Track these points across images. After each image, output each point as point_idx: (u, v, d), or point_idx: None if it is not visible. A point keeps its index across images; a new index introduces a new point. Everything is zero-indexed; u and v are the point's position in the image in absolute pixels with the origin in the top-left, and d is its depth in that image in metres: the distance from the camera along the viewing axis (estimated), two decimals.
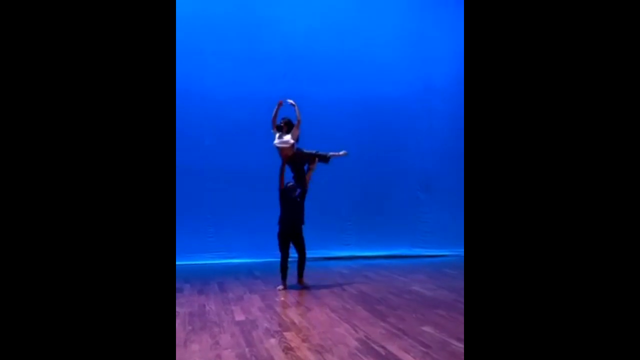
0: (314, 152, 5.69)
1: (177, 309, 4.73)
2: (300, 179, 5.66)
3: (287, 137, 5.53)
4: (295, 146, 5.56)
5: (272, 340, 3.67)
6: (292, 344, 3.56)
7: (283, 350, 3.42)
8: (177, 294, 5.49)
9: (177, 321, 4.27)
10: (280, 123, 5.59)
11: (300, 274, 5.68)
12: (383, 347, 3.46)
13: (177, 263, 7.40)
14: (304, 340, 3.66)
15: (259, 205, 8.00)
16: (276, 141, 5.59)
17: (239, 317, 4.42)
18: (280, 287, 5.54)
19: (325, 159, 5.73)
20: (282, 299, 5.19)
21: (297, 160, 5.63)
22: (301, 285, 5.65)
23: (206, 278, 6.50)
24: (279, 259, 5.63)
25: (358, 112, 8.48)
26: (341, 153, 5.85)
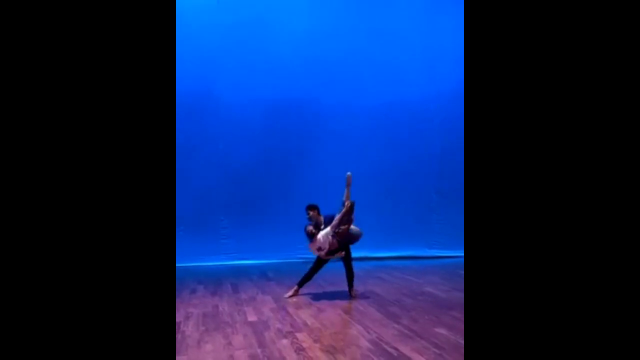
0: (344, 219, 5.13)
1: (191, 309, 4.77)
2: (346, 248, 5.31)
3: (323, 240, 5.05)
4: (333, 237, 5.11)
5: (285, 341, 3.67)
6: (304, 345, 3.55)
7: (295, 351, 3.42)
8: (191, 295, 5.54)
9: (191, 322, 4.30)
10: (310, 229, 5.09)
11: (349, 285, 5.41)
12: (395, 348, 3.44)
13: (191, 264, 7.50)
14: (315, 341, 3.65)
15: (272, 207, 8.05)
16: (323, 254, 5.13)
17: (252, 317, 4.44)
18: (289, 293, 5.37)
19: (351, 209, 5.16)
20: (292, 298, 5.19)
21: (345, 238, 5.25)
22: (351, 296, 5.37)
23: (220, 279, 6.55)
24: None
25: (373, 115, 8.48)
26: (347, 181, 5.25)
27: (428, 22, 8.65)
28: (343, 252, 5.24)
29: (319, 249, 5.10)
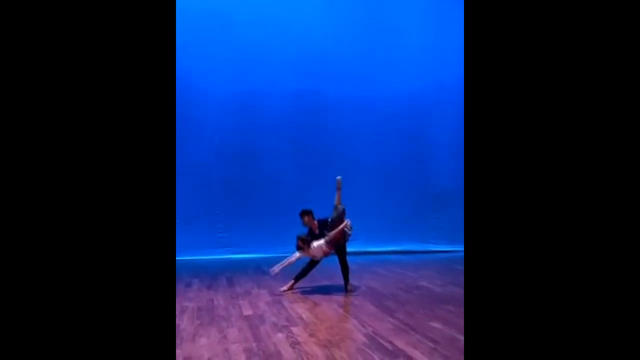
0: (340, 225, 5.10)
1: (186, 303, 4.76)
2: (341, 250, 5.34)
3: (317, 251, 5.12)
4: (328, 246, 5.13)
5: (280, 335, 3.66)
6: (300, 339, 3.55)
7: (290, 345, 3.41)
8: (187, 289, 5.52)
9: (186, 315, 4.29)
10: (298, 244, 5.18)
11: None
12: (391, 342, 3.44)
13: (186, 258, 7.48)
14: (311, 335, 3.65)
15: (268, 201, 8.03)
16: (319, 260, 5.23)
17: (247, 311, 4.43)
18: (285, 287, 5.38)
19: (343, 212, 5.18)
20: (287, 292, 5.20)
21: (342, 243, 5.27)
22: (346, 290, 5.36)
23: (215, 273, 6.53)
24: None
25: (370, 109, 8.46)
26: (338, 185, 5.28)
27: (435, 15, 8.58)
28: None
29: (313, 256, 5.18)
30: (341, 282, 5.38)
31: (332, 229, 5.10)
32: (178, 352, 3.28)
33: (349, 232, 5.23)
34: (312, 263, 5.34)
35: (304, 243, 5.17)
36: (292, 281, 5.37)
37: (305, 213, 5.31)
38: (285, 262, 5.27)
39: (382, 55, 8.48)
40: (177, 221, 7.17)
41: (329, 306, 4.64)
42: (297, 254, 5.24)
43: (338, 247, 5.22)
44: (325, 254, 5.18)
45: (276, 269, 5.24)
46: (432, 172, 8.66)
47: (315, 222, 5.28)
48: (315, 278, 5.76)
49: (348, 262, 5.37)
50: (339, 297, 5.02)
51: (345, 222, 5.14)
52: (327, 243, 5.11)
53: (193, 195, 7.71)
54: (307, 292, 5.28)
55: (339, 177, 5.31)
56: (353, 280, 5.44)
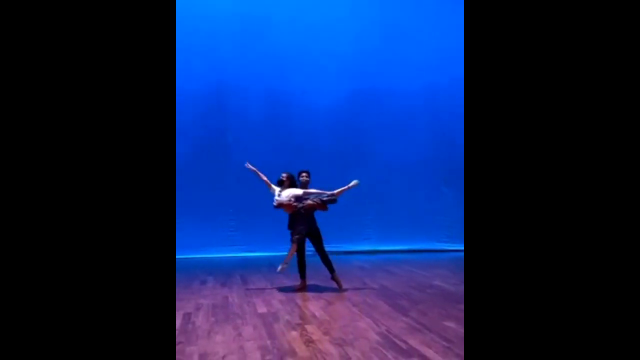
0: (319, 201, 5.15)
1: (201, 300, 4.83)
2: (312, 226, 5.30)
3: (287, 194, 5.16)
4: (297, 200, 5.16)
5: (294, 333, 3.69)
6: (314, 337, 3.57)
7: (304, 343, 3.44)
8: (201, 286, 5.59)
9: (201, 312, 4.35)
10: (282, 177, 5.31)
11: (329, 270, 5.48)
12: (405, 341, 3.44)
13: (200, 256, 7.58)
14: (325, 333, 3.67)
15: None
16: (275, 202, 5.25)
17: (261, 309, 4.47)
18: (297, 287, 5.38)
19: (333, 201, 5.21)
20: (300, 290, 5.22)
21: (304, 213, 5.21)
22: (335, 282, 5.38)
23: (229, 271, 6.59)
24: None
25: (378, 107, 8.43)
26: (352, 184, 5.23)
27: (454, 8, 8.51)
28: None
29: (279, 197, 5.19)
30: (356, 280, 5.37)
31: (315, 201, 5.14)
32: (193, 348, 3.33)
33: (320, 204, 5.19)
34: (300, 252, 5.32)
35: (288, 179, 5.24)
36: (301, 280, 5.38)
37: (307, 172, 5.37)
38: (289, 254, 5.23)
39: (398, 51, 8.45)
40: (192, 220, 7.29)
41: (343, 304, 4.66)
42: (275, 188, 5.26)
43: (303, 214, 5.13)
44: (287, 204, 5.12)
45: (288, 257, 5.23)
46: (444, 170, 8.60)
47: (309, 186, 5.31)
48: (327, 276, 5.77)
49: (327, 253, 5.34)
50: (352, 296, 5.03)
51: (319, 201, 5.13)
52: (301, 194, 5.11)
53: (205, 194, 7.81)
54: (320, 290, 5.30)
55: (357, 182, 5.25)
56: (366, 279, 5.44)
